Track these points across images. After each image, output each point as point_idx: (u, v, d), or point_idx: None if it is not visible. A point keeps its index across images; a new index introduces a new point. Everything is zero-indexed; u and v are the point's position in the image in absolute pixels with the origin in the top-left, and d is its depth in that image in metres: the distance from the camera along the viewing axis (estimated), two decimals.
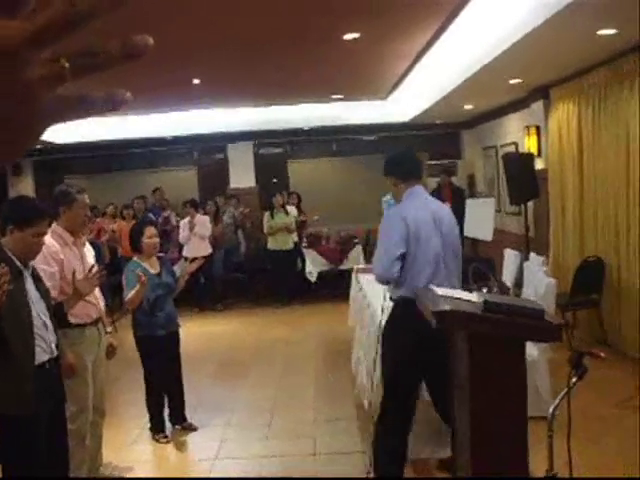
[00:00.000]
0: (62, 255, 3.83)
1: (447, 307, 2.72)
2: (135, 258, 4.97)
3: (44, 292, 3.29)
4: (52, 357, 3.27)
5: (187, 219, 10.26)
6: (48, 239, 3.70)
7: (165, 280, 5.00)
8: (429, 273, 3.62)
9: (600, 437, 4.37)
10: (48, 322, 3.24)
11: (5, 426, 3.05)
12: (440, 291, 3.01)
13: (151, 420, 5.14)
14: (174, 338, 5.15)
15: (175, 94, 9.50)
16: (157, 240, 5.01)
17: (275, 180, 13.08)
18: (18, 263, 3.14)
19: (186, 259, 9.49)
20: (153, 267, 4.96)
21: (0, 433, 3.08)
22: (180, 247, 10.37)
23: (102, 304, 4.23)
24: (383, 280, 3.71)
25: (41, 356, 3.17)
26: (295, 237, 10.82)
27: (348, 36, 6.35)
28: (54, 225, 4.11)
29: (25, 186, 13.76)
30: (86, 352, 4.01)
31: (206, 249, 10.01)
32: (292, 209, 10.96)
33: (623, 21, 5.13)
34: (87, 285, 3.68)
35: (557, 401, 2.76)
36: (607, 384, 5.21)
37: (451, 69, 7.72)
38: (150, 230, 4.97)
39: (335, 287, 10.50)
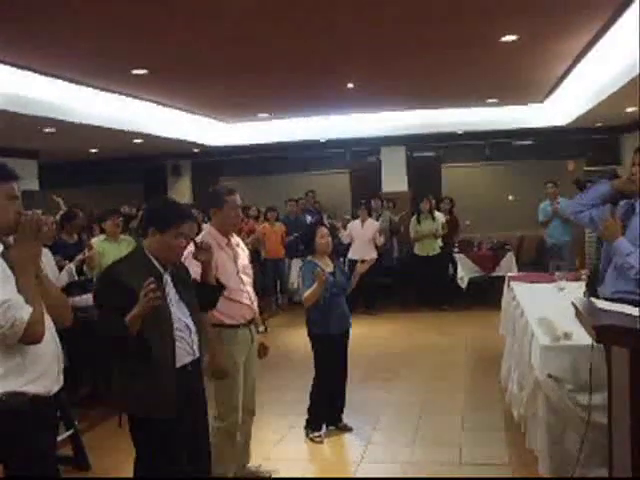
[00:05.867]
0: (216, 256, 3.78)
1: (607, 322, 2.61)
2: (309, 258, 5.09)
3: (186, 294, 3.27)
4: (194, 359, 3.26)
5: (357, 221, 10.40)
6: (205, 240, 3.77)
7: (339, 279, 5.09)
8: None
9: None
10: (190, 323, 3.23)
11: (147, 429, 3.08)
12: (600, 304, 2.89)
13: (310, 418, 5.20)
14: (346, 337, 5.25)
15: (329, 98, 9.71)
16: (329, 239, 5.11)
17: (426, 185, 12.94)
18: (158, 265, 3.16)
19: (351, 261, 9.56)
20: (327, 266, 5.05)
21: (143, 436, 3.11)
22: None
23: (255, 305, 4.29)
24: None
25: (183, 358, 3.17)
26: (440, 242, 10.62)
27: (506, 38, 6.24)
28: (208, 226, 4.26)
29: (183, 186, 14.45)
30: (238, 352, 4.08)
31: (372, 252, 9.76)
32: (439, 215, 10.71)
33: None
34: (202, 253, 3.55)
35: None
36: None
37: (613, 69, 7.38)
38: (322, 230, 5.09)
39: (486, 294, 10.29)
